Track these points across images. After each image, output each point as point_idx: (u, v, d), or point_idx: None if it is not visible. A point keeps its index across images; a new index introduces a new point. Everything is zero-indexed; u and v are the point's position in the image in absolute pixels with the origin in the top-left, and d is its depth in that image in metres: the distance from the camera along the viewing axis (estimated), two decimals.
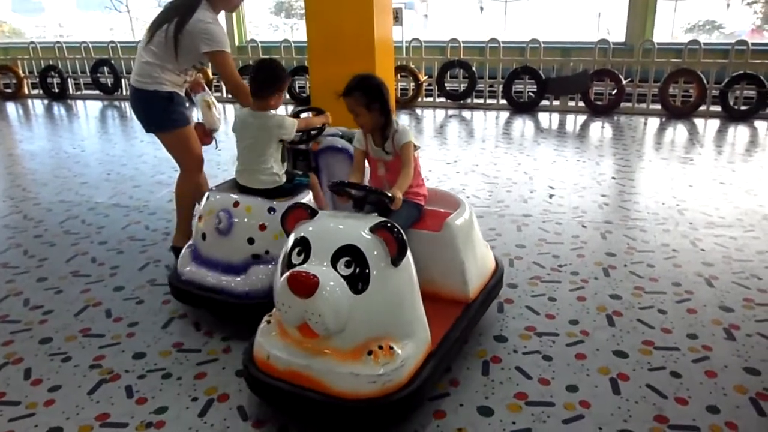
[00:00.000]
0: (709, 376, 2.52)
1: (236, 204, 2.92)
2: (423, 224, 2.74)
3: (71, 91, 10.90)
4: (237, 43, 12.51)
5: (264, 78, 3.01)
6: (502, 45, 9.05)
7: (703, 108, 8.21)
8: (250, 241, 2.85)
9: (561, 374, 2.55)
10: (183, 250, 3.10)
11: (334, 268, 2.07)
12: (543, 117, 8.49)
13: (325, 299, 1.99)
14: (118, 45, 10.59)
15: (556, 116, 8.50)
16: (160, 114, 3.45)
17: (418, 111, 9.11)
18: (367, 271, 2.07)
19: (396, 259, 2.11)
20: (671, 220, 4.28)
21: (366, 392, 2.06)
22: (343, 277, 2.05)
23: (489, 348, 2.74)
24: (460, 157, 6.23)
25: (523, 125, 8.02)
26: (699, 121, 7.97)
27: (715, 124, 7.82)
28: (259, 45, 10.21)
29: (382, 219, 2.18)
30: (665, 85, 8.24)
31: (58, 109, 9.97)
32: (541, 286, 3.32)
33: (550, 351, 2.71)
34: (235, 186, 3.12)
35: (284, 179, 3.08)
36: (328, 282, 2.01)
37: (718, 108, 8.18)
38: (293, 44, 9.84)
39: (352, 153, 3.49)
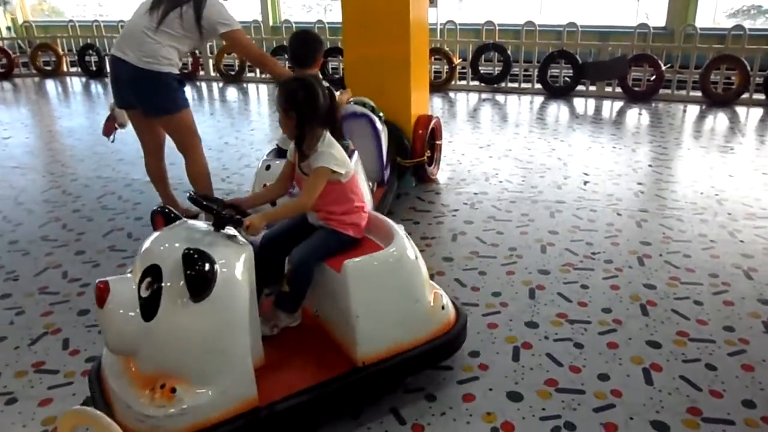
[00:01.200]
0: (745, 370, 2.47)
1: None
2: (334, 260, 2.24)
3: (108, 69, 11.05)
4: (271, 24, 12.54)
5: (302, 47, 3.31)
6: (538, 28, 8.88)
7: (745, 96, 7.96)
8: None
9: (592, 362, 2.52)
10: None
11: (140, 286, 1.86)
12: (578, 102, 8.34)
13: (109, 315, 1.83)
14: None
15: (592, 102, 8.34)
16: (173, 95, 3.49)
17: (452, 94, 9.02)
18: (159, 297, 1.83)
19: (193, 296, 1.80)
20: (709, 210, 4.18)
21: (134, 431, 1.83)
22: (142, 298, 1.84)
23: (519, 334, 2.73)
24: (493, 141, 6.17)
25: (558, 110, 7.89)
26: (741, 110, 7.73)
27: (758, 112, 7.58)
28: (294, 26, 10.19)
29: (195, 247, 1.82)
30: (706, 71, 8.00)
31: (96, 87, 10.13)
32: (574, 273, 3.29)
33: (581, 339, 2.69)
34: (278, 153, 3.29)
35: None
36: (117, 298, 1.83)
37: (761, 96, 7.93)
38: (327, 25, 9.81)
39: (372, 119, 3.88)
